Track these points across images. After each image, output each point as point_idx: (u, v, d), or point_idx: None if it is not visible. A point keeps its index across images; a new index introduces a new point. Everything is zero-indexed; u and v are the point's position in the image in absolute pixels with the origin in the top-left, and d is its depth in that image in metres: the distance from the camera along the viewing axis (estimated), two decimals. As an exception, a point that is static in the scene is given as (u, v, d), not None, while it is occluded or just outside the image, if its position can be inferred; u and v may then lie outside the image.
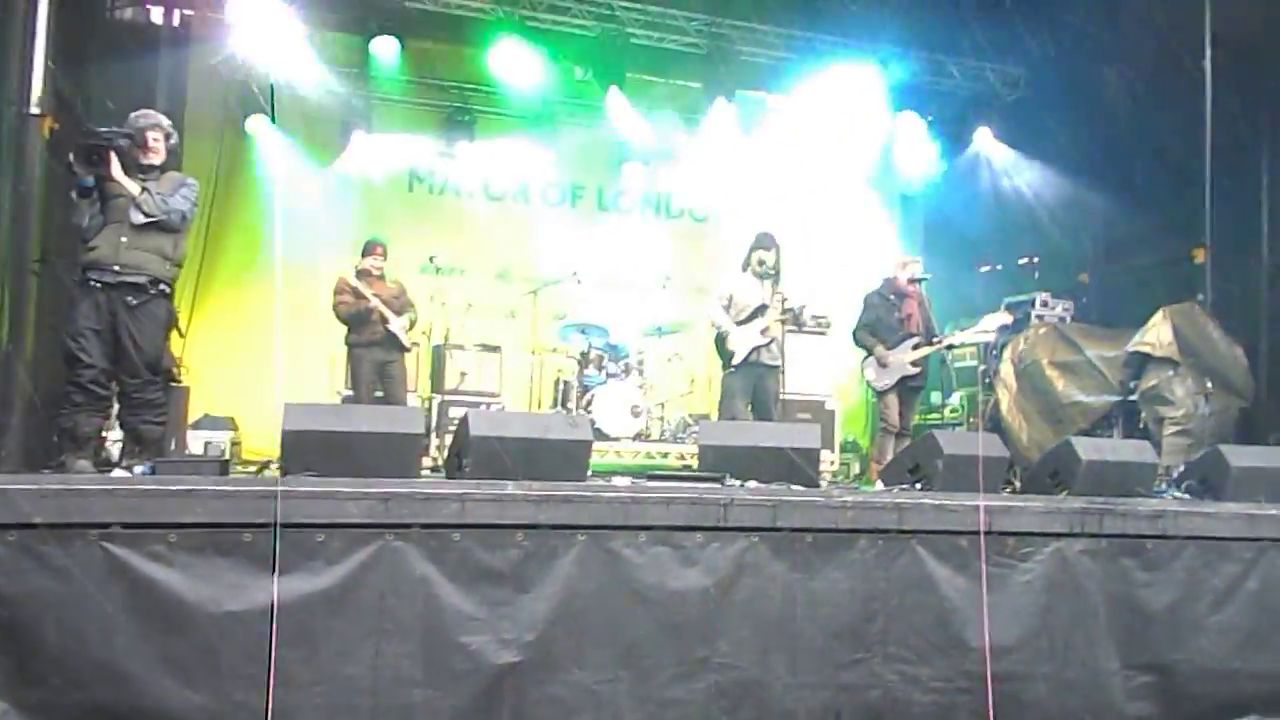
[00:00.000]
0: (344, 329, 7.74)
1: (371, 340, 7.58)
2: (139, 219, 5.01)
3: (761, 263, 6.98)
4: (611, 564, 3.73)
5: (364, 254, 7.83)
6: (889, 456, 7.14)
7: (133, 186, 5.02)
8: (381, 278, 7.78)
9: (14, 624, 3.12)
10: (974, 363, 10.08)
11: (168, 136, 5.29)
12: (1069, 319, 9.83)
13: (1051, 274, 10.56)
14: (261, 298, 9.99)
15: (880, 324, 7.43)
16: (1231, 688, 4.41)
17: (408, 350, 7.87)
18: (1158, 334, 8.24)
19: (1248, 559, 4.53)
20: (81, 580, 3.18)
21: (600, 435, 8.41)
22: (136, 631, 3.21)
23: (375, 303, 7.50)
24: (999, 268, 11.14)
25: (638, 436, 8.89)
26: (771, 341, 6.98)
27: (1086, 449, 4.93)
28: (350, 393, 8.15)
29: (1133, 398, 8.57)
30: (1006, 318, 8.07)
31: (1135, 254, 10.04)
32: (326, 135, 10.60)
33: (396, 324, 7.60)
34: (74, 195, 5.09)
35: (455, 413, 8.63)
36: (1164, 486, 5.46)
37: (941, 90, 11.25)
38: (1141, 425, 8.43)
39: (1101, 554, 4.33)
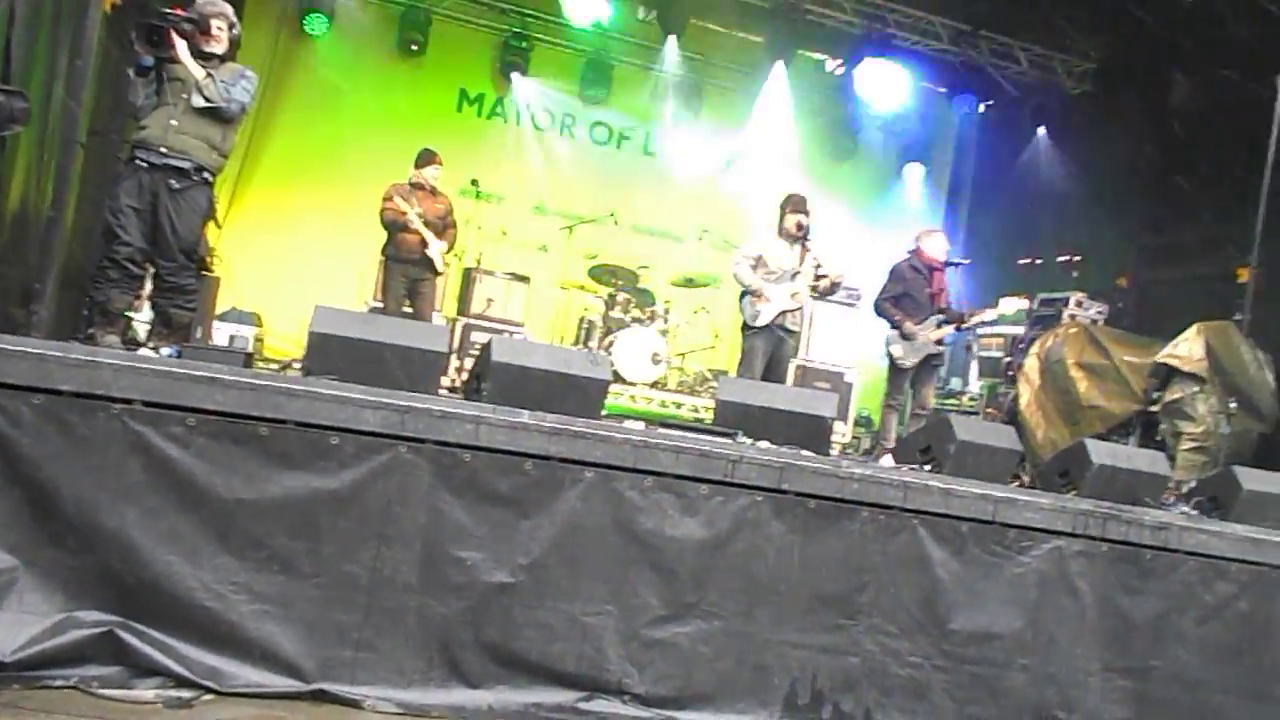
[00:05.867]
0: (377, 242, 7.74)
1: (408, 257, 7.53)
2: (199, 103, 5.02)
3: (799, 226, 6.92)
4: (614, 503, 3.78)
5: (421, 164, 7.62)
6: (892, 433, 7.17)
7: (197, 70, 5.02)
8: (434, 192, 7.64)
9: (35, 484, 3.20)
10: (999, 354, 10.03)
11: (231, 26, 5.26)
12: (1101, 322, 9.74)
13: (1091, 275, 10.45)
14: (299, 201, 10.05)
15: (909, 299, 7.38)
16: (1198, 698, 4.45)
17: (440, 274, 7.82)
18: (1189, 348, 8.16)
19: (1244, 581, 4.51)
20: (100, 450, 3.26)
21: (618, 378, 8.46)
22: (149, 506, 3.29)
23: (417, 224, 7.41)
24: (1038, 262, 11.02)
25: (655, 384, 8.93)
26: (799, 308, 6.96)
27: (1099, 452, 4.92)
28: (377, 304, 8.19)
29: (1154, 409, 8.52)
30: (1024, 303, 8.04)
31: (1178, 265, 9.90)
32: (381, 47, 10.57)
33: (435, 248, 7.51)
34: (131, 74, 5.11)
35: (477, 337, 8.72)
36: (1172, 500, 5.45)
37: (1006, 75, 11.06)
38: (1159, 437, 8.39)
39: (1099, 557, 4.35)
